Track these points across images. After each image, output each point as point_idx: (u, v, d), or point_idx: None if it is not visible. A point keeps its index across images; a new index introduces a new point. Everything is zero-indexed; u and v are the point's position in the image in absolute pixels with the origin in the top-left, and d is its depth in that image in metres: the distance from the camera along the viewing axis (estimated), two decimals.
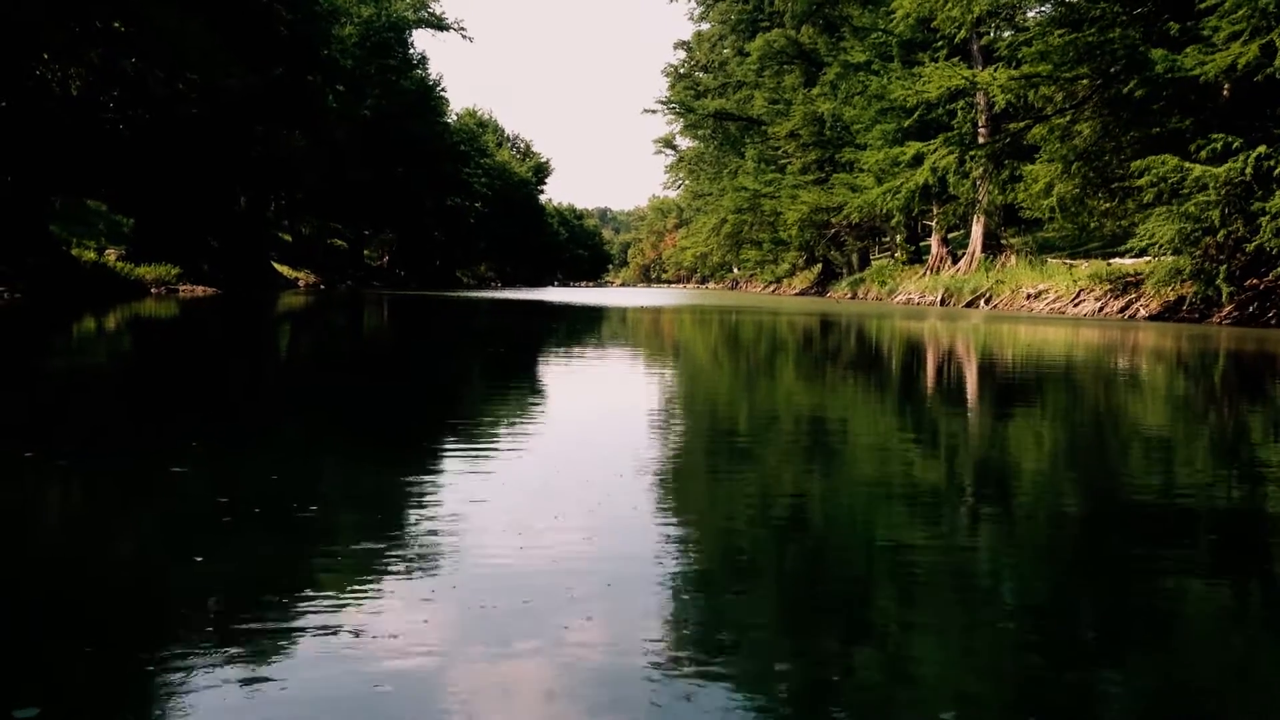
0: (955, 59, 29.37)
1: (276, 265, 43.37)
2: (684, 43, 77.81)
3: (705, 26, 72.74)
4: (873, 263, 49.28)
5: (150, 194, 31.86)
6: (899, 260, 44.14)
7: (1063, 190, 22.59)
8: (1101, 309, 22.56)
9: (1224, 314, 18.79)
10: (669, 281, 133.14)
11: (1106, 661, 2.09)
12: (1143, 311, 21.12)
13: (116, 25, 23.80)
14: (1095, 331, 16.37)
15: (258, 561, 2.66)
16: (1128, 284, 22.43)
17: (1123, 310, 21.81)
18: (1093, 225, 25.03)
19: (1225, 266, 18.76)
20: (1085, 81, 21.22)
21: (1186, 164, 17.70)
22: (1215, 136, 17.50)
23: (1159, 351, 12.14)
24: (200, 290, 28.36)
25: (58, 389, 6.68)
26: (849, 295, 44.70)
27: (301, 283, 44.08)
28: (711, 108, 64.75)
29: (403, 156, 58.68)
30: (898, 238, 45.17)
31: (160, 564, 2.68)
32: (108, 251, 29.19)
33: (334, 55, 43.85)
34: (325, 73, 42.30)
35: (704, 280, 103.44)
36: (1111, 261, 25.18)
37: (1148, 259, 22.10)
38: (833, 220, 45.78)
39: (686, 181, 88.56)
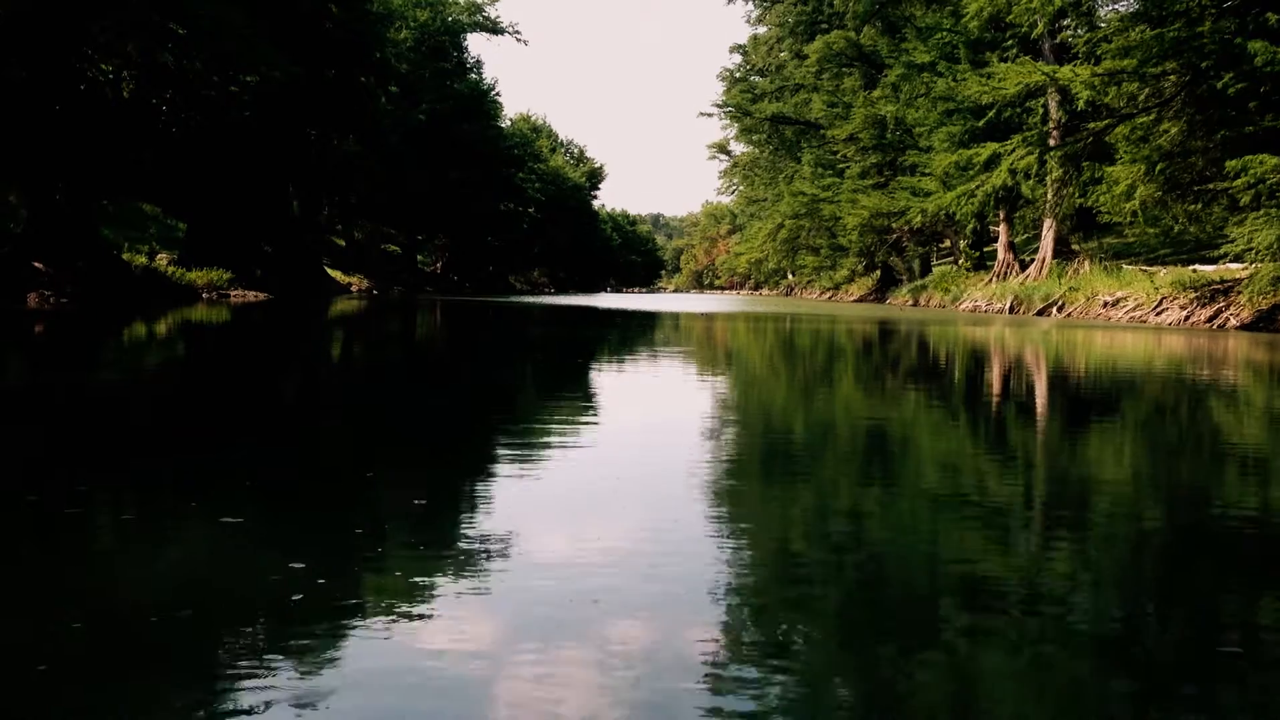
0: (1026, 58, 28.25)
1: (329, 270, 43.27)
2: (740, 46, 76.73)
3: (762, 30, 71.71)
4: (934, 269, 47.97)
5: (203, 198, 31.76)
6: (963, 266, 42.82)
7: (1145, 193, 21.42)
8: (1188, 317, 21.30)
9: None
10: (722, 288, 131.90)
11: (1192, 697, 1.95)
12: (1233, 320, 19.86)
13: (155, 18, 23.45)
14: (1184, 340, 15.35)
15: (311, 571, 2.57)
16: (1215, 291, 21.16)
17: (1211, 319, 20.56)
18: (1176, 230, 23.73)
19: None
20: (1173, 78, 20.07)
21: None
22: None
23: (1254, 362, 11.17)
24: (252, 295, 28.10)
25: (88, 409, 6.04)
26: (911, 302, 43.47)
27: (354, 288, 43.94)
28: (768, 111, 63.71)
29: (457, 161, 58.42)
30: (961, 243, 43.83)
31: (206, 579, 2.61)
32: (160, 256, 29.07)
33: (387, 58, 43.49)
34: (378, 75, 41.99)
35: (758, 287, 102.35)
36: (1196, 268, 23.87)
37: (1238, 265, 20.83)
38: (894, 225, 44.61)
39: (741, 187, 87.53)
